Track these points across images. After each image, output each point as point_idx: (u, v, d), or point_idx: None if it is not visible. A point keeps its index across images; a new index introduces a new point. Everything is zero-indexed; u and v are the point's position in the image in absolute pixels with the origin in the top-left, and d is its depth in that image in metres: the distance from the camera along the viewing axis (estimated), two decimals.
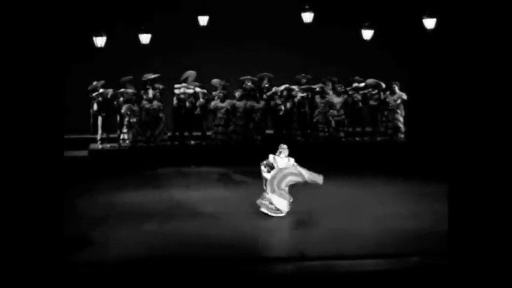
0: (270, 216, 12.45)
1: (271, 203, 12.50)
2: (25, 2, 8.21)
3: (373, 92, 19.05)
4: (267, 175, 12.65)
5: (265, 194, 12.57)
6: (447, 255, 9.03)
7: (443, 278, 9.06)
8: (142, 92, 18.36)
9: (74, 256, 9.88)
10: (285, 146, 12.83)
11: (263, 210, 12.51)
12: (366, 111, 19.22)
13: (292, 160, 12.72)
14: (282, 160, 12.67)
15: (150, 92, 18.29)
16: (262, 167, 12.72)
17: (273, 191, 12.47)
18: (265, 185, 12.64)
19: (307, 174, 12.58)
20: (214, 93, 18.63)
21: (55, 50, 8.42)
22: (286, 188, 12.55)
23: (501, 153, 8.40)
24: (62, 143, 8.68)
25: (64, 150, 9.17)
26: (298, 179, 12.57)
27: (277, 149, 12.83)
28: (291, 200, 12.55)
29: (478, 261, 8.49)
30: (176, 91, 18.45)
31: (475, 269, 8.52)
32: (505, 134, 8.42)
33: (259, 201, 12.58)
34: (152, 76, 18.61)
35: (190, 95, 18.46)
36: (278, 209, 12.48)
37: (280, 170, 12.57)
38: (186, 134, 18.59)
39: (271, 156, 12.71)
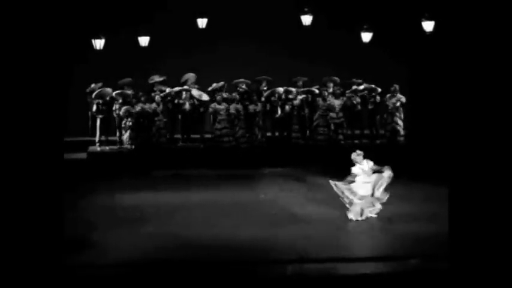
0: (269, 218, 12.52)
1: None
2: (27, 5, 8.21)
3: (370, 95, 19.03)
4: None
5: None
6: (447, 258, 9.03)
7: (443, 281, 9.05)
8: (140, 93, 18.26)
9: (73, 258, 9.87)
10: (357, 151, 12.74)
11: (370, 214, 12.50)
12: (364, 114, 19.21)
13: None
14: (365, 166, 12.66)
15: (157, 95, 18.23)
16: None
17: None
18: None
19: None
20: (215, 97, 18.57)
21: (57, 52, 8.43)
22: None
23: (501, 156, 8.40)
24: (62, 145, 8.68)
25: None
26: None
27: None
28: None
29: (478, 264, 8.49)
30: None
31: (475, 272, 8.51)
32: (504, 136, 8.42)
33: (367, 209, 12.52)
34: (159, 79, 18.59)
35: (177, 93, 18.30)
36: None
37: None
38: (185, 136, 18.54)
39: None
